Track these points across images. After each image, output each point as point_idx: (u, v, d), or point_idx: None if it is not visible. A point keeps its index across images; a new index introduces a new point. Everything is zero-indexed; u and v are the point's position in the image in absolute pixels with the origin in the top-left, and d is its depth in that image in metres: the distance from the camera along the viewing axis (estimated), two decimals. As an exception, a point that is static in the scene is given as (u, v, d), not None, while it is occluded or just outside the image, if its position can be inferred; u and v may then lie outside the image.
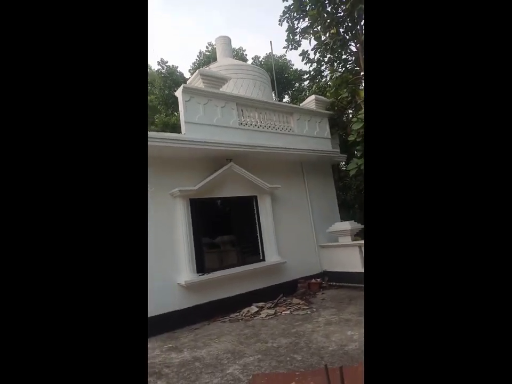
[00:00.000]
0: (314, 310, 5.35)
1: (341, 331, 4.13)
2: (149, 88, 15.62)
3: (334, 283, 6.96)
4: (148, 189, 5.26)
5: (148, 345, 4.48)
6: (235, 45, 16.87)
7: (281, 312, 5.38)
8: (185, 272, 5.35)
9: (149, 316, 4.78)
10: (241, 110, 6.60)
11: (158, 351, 4.23)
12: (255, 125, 6.73)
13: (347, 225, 6.85)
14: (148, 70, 16.44)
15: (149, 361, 3.85)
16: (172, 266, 5.35)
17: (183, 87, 5.71)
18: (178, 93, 5.77)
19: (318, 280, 6.92)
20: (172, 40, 35.61)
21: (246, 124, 6.59)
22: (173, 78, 14.80)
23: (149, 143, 4.94)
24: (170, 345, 4.41)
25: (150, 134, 5.09)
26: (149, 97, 14.23)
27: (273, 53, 13.18)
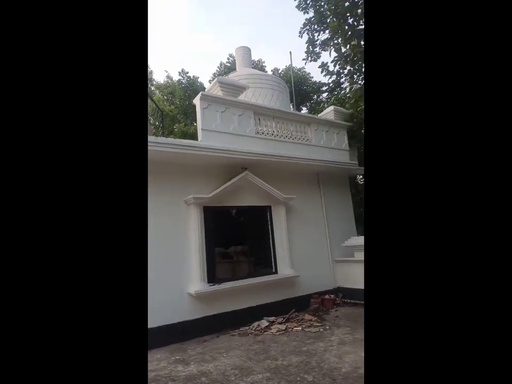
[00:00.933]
0: (327, 327, 5.11)
1: (355, 352, 3.90)
2: (169, 98, 16.03)
3: (348, 300, 6.68)
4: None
5: (156, 356, 4.37)
6: (254, 57, 17.04)
7: (292, 328, 5.17)
8: (196, 282, 5.24)
9: (157, 325, 4.70)
10: (258, 119, 6.55)
11: (164, 362, 4.10)
12: (272, 134, 6.66)
13: (363, 240, 6.60)
14: (169, 80, 16.88)
15: (154, 373, 3.73)
16: (183, 275, 5.25)
17: (201, 94, 5.72)
18: (196, 100, 5.78)
19: (332, 296, 6.67)
20: (193, 51, 36.50)
21: (263, 133, 6.53)
22: (193, 88, 15.09)
23: (165, 149, 4.94)
24: (177, 357, 4.28)
25: (166, 140, 5.09)
26: (169, 107, 14.61)
27: (293, 65, 13.20)
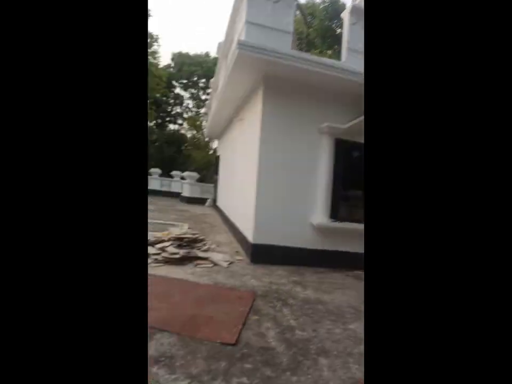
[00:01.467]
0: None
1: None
2: (308, 19, 15.03)
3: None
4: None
5: (277, 272, 4.59)
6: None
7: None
8: (319, 214, 5.10)
9: (280, 244, 4.97)
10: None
11: (284, 280, 4.28)
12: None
13: None
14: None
15: (276, 287, 3.92)
16: (307, 205, 5.17)
17: (352, 6, 4.91)
18: (345, 14, 5.04)
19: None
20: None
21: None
22: (334, 7, 13.67)
23: (305, 66, 4.50)
24: (295, 278, 4.40)
25: (309, 57, 4.63)
26: (307, 30, 13.74)
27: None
